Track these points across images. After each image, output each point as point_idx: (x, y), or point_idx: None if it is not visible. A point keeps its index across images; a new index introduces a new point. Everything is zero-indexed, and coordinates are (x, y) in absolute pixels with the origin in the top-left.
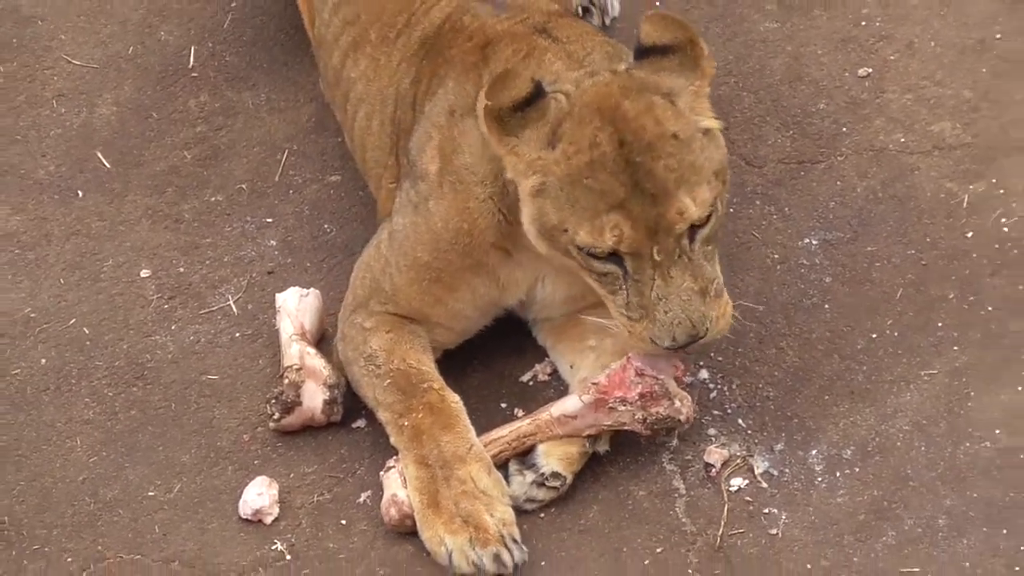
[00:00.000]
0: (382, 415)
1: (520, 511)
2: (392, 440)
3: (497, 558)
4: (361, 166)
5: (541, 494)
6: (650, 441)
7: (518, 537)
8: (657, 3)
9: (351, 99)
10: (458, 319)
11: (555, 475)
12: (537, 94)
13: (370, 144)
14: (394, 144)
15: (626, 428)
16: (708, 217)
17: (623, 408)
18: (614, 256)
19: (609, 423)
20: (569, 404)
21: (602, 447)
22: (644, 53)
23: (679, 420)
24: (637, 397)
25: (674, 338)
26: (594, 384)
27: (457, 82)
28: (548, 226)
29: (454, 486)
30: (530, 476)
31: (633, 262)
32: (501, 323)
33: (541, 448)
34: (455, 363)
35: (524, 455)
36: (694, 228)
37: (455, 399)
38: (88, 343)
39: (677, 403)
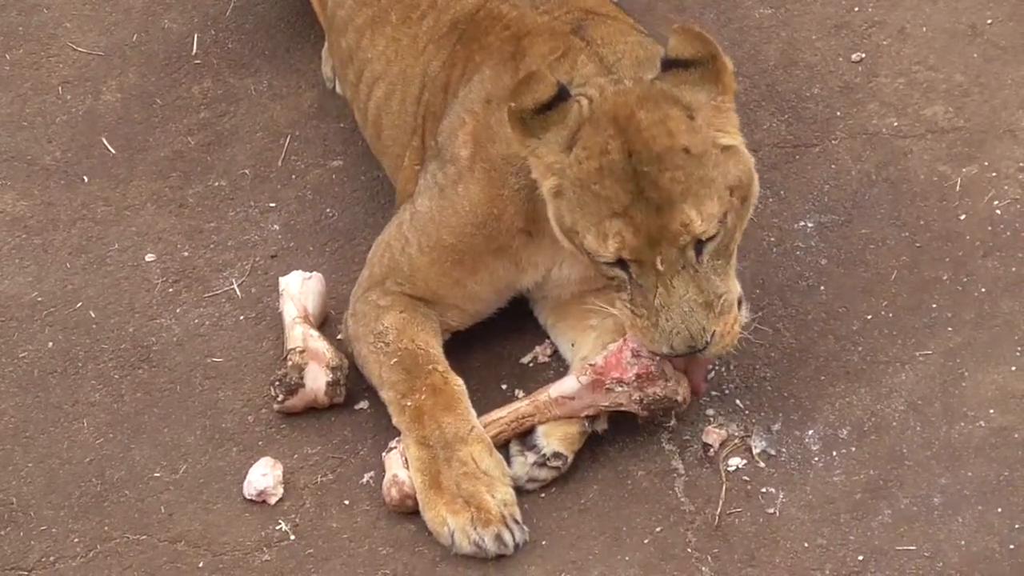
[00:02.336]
0: (385, 394)
1: (521, 491)
2: (394, 420)
3: (498, 538)
4: (374, 144)
5: (543, 474)
6: (648, 422)
7: (519, 517)
8: None
9: (365, 78)
10: (474, 301)
11: (556, 455)
12: (560, 97)
13: (388, 123)
14: (419, 125)
15: (623, 409)
16: (716, 233)
17: (620, 389)
18: (620, 262)
19: (606, 404)
20: (567, 385)
21: (600, 426)
22: (669, 65)
23: (676, 401)
24: (634, 378)
25: (672, 347)
26: (591, 365)
27: (494, 71)
28: (565, 227)
29: (455, 467)
30: (532, 457)
31: (637, 269)
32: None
33: (541, 429)
34: (456, 345)
35: (524, 436)
36: (701, 241)
37: (458, 382)
38: (94, 326)
39: (673, 384)
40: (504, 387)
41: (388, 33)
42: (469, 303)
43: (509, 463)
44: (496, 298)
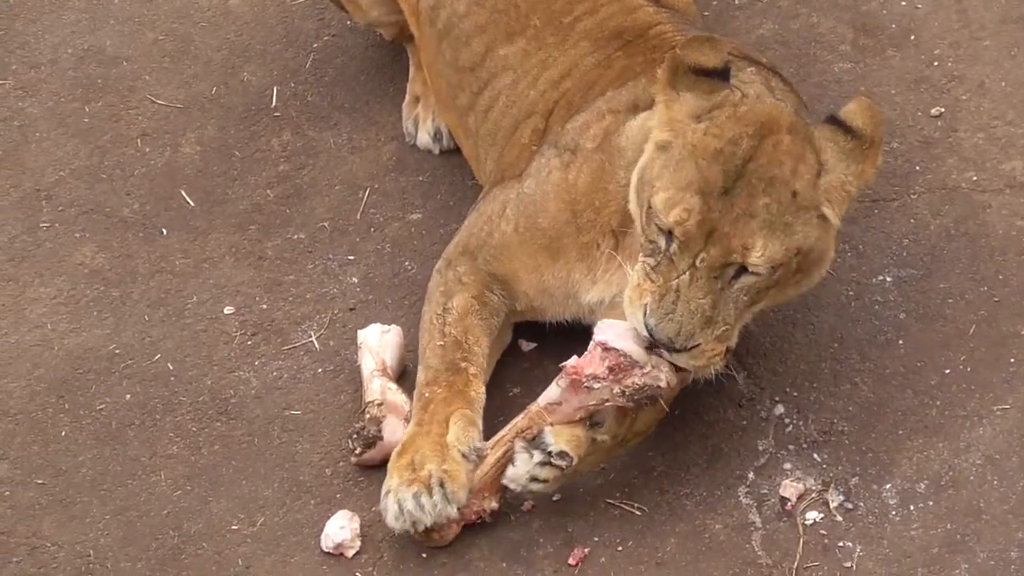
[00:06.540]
0: (420, 372)
1: (525, 494)
2: (413, 399)
3: (416, 498)
4: (468, 100)
5: (545, 473)
6: (636, 410)
7: (452, 488)
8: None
9: (490, 68)
10: (542, 295)
11: (562, 454)
12: (720, 73)
13: (508, 99)
14: (549, 108)
15: (611, 404)
16: (762, 273)
17: (598, 385)
18: (669, 235)
19: (593, 403)
20: (551, 393)
21: (601, 435)
22: (832, 121)
23: (659, 386)
24: (607, 372)
25: (655, 326)
26: (564, 367)
27: (650, 80)
28: (647, 177)
29: (432, 435)
30: (537, 455)
31: (677, 250)
32: (550, 363)
33: (549, 429)
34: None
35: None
36: (744, 269)
37: (479, 390)
38: (172, 379)
39: (652, 371)
40: None
41: (529, 35)
42: (538, 295)
43: (513, 461)
44: (561, 304)
